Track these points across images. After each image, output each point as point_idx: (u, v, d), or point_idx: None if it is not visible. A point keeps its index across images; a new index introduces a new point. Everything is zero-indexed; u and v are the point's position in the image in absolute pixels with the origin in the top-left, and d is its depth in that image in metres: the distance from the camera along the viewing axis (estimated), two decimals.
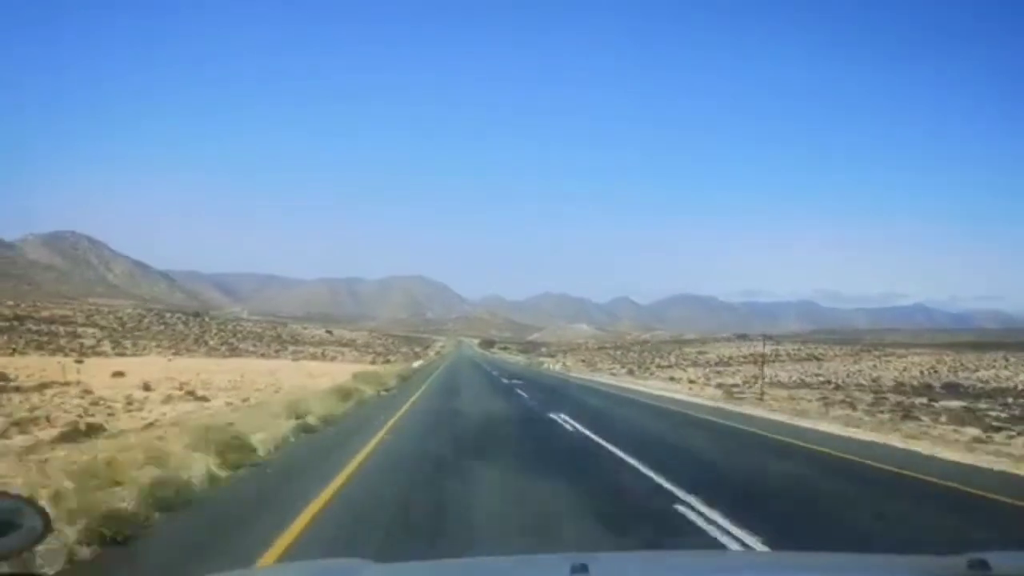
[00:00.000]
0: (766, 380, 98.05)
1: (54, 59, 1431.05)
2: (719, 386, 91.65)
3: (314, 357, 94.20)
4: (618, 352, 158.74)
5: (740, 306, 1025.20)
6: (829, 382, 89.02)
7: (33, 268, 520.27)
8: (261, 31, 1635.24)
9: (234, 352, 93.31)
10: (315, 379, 41.81)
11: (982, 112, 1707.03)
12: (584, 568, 2.02)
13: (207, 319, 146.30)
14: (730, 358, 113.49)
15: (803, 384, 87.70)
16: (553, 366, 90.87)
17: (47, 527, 1.90)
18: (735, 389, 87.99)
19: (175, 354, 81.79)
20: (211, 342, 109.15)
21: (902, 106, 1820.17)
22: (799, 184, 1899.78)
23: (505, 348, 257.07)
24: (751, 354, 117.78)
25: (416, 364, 71.27)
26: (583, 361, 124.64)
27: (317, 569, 2.79)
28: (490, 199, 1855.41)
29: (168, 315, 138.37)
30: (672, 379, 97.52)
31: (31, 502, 1.95)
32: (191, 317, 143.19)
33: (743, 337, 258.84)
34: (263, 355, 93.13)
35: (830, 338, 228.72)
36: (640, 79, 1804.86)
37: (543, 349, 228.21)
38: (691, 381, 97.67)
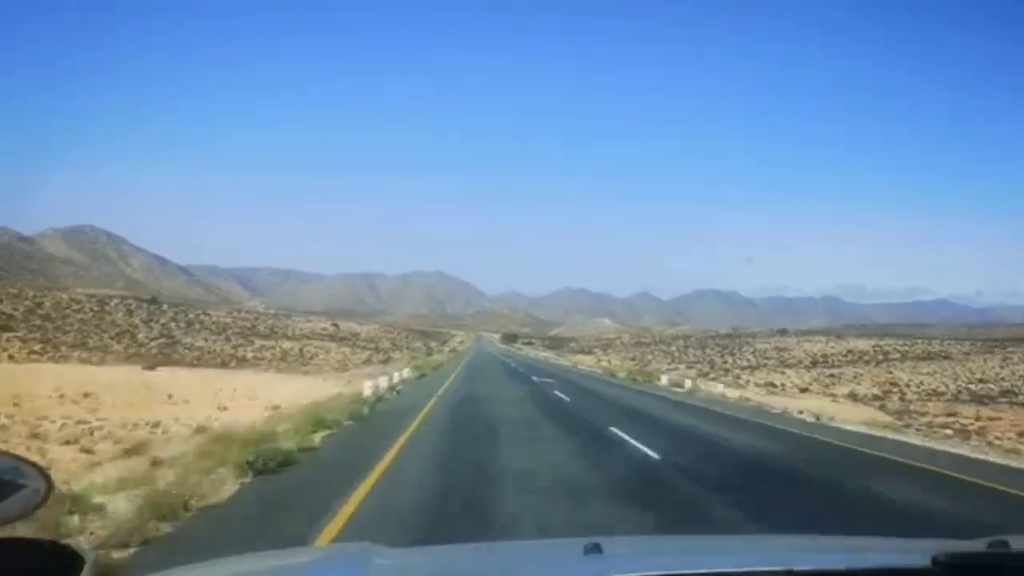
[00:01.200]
0: (910, 388, 67.95)
1: (72, 54, 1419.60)
2: (852, 397, 62.75)
3: (282, 357, 68.66)
4: (671, 349, 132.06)
5: (762, 301, 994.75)
6: (1014, 393, 59.00)
7: (51, 262, 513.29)
8: (278, 27, 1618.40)
9: (167, 353, 67.84)
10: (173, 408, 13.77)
11: (1005, 104, 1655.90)
12: (597, 547, 1.97)
13: (165, 307, 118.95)
14: (824, 356, 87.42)
15: (981, 397, 56.58)
16: (686, 383, 50.30)
17: (50, 488, 1.73)
18: (883, 402, 59.17)
19: (33, 355, 56.25)
20: (142, 336, 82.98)
21: (924, 99, 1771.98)
22: (820, 179, 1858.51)
23: (530, 343, 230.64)
24: (850, 351, 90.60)
25: (404, 373, 40.11)
26: (632, 359, 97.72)
27: (332, 552, 2.89)
28: (510, 195, 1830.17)
29: (114, 301, 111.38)
30: (772, 385, 69.59)
31: (32, 463, 1.79)
32: (143, 304, 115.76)
33: (784, 332, 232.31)
34: (210, 353, 67.63)
35: (864, 332, 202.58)
36: (659, 75, 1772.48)
37: (572, 344, 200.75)
38: (803, 389, 69.37)
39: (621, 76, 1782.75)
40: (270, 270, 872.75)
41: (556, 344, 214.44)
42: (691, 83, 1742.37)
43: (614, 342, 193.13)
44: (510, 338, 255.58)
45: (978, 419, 42.93)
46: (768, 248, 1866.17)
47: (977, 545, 1.99)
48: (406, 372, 40.30)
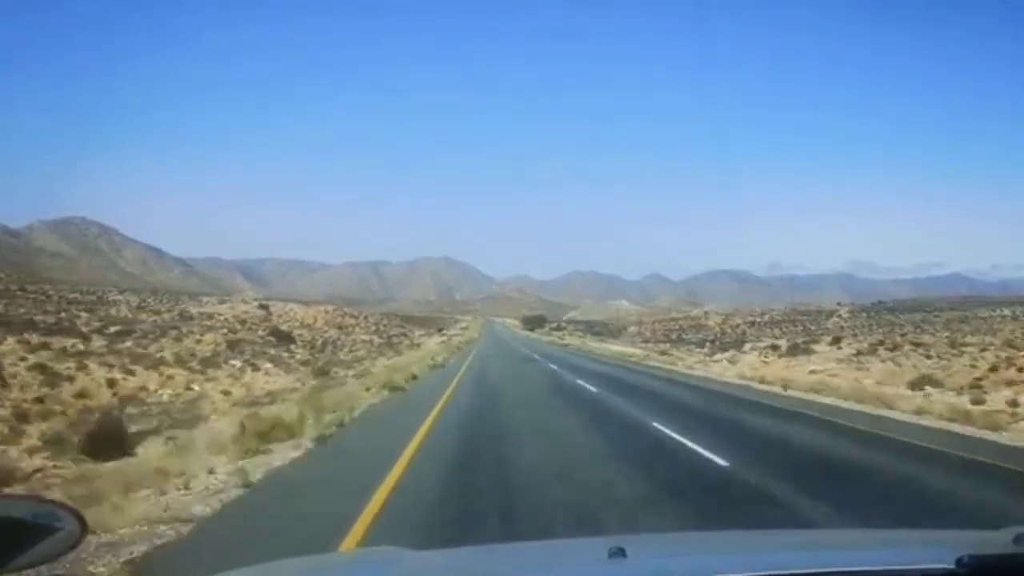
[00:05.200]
0: None
1: (61, 43, 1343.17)
2: None
3: None
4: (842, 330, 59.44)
5: (775, 280, 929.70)
6: None
7: (38, 255, 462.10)
8: (283, 15, 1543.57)
9: None
10: None
11: (1019, 72, 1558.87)
12: (622, 551, 1.88)
13: None
14: None
15: None
16: None
17: (84, 530, 1.74)
18: None
19: None
20: None
21: (935, 66, 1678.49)
22: (828, 156, 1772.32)
23: (560, 328, 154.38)
24: None
25: None
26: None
27: (358, 557, 2.87)
28: (515, 179, 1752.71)
29: None
30: None
31: (66, 506, 1.78)
32: None
33: (880, 304, 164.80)
34: None
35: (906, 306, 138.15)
36: (663, 52, 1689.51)
37: (631, 329, 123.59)
38: None
39: (623, 55, 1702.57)
40: (275, 261, 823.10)
41: (602, 330, 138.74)
42: (695, 61, 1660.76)
43: (697, 323, 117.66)
44: (533, 322, 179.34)
45: None
46: (777, 227, 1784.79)
47: (1003, 537, 1.85)
48: None
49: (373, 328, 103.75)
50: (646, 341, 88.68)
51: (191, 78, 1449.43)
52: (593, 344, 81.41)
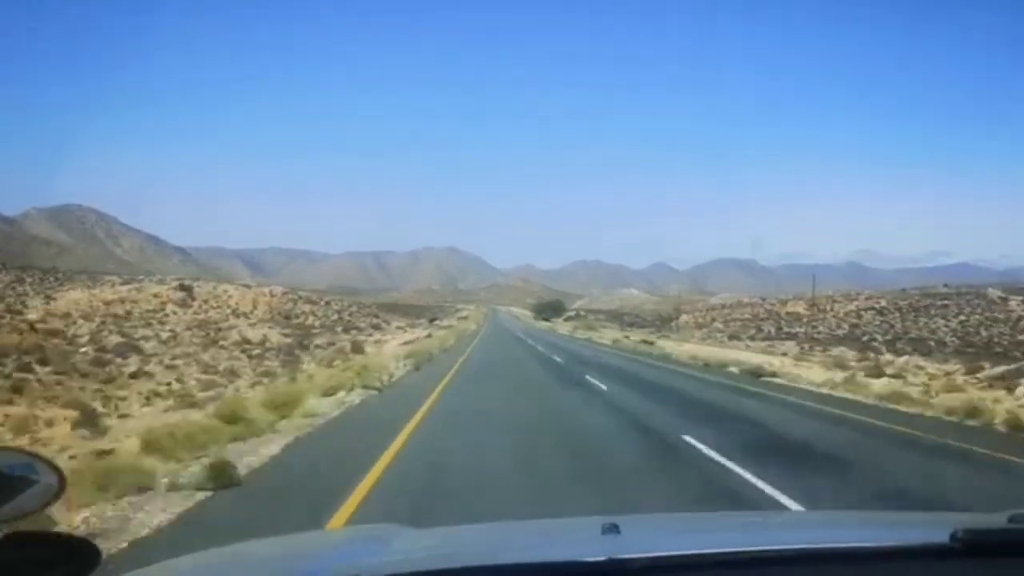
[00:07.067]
0: None
1: (62, 32, 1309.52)
2: None
3: None
4: None
5: (781, 269, 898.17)
6: None
7: (32, 243, 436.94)
8: (287, 8, 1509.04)
9: None
10: None
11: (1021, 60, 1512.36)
12: (615, 528, 1.84)
13: None
14: None
15: None
16: None
17: (62, 484, 1.65)
18: None
19: None
20: None
21: (941, 56, 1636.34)
22: (835, 144, 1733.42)
23: (579, 316, 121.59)
24: None
25: None
26: None
27: (355, 534, 2.88)
28: (520, 170, 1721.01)
29: None
30: None
31: (44, 458, 1.71)
32: None
33: (938, 292, 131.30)
34: None
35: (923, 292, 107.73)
36: (668, 41, 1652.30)
37: (684, 319, 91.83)
38: None
39: (627, 47, 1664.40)
40: (277, 250, 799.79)
41: (636, 321, 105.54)
42: (699, 50, 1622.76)
43: (786, 312, 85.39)
44: (548, 310, 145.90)
45: None
46: (784, 215, 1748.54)
47: (998, 519, 1.83)
48: None
49: (335, 316, 73.25)
50: (733, 337, 57.42)
51: (195, 68, 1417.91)
52: (680, 346, 44.52)
